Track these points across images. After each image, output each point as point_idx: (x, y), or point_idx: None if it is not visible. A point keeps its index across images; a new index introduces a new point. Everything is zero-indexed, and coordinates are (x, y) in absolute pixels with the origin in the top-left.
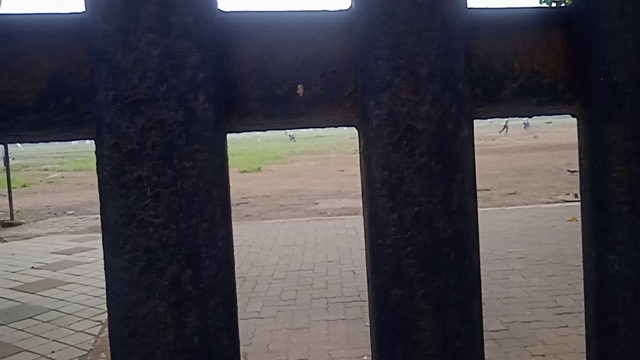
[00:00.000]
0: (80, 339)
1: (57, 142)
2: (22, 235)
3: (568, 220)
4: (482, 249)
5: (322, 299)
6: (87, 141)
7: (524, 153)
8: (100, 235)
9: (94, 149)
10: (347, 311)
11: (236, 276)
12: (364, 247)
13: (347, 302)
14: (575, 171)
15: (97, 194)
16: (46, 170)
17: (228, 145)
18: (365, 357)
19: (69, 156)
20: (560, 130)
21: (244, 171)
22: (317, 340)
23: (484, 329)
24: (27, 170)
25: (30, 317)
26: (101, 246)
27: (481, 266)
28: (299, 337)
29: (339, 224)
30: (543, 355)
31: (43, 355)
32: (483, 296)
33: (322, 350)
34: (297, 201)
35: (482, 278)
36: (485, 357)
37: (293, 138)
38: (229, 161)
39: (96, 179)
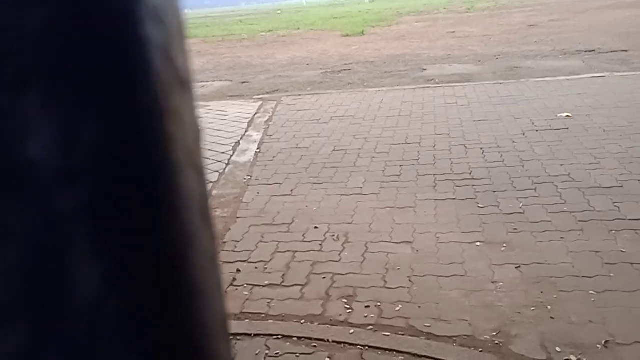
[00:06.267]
0: None
1: None
2: None
3: None
4: (620, 121)
5: (430, 175)
6: None
7: None
8: None
9: None
10: (458, 190)
11: (338, 149)
12: (476, 119)
13: (458, 180)
14: None
15: None
16: None
17: (329, 6)
18: (477, 243)
19: None
20: None
21: (347, 35)
22: (423, 221)
23: (623, 215)
24: None
25: None
26: None
27: (619, 141)
28: (403, 217)
29: (448, 92)
30: None
31: None
32: (621, 177)
33: (429, 233)
34: (402, 67)
35: (620, 155)
36: (624, 251)
37: None
38: (331, 24)
39: None
